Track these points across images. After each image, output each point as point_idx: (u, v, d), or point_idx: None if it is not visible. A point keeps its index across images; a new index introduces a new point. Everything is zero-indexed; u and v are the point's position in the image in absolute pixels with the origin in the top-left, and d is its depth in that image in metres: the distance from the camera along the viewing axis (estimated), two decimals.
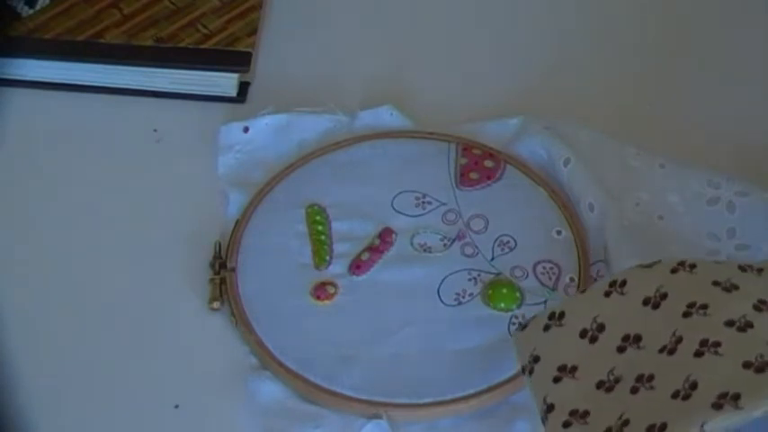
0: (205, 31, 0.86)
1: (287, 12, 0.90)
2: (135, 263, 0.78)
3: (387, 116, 0.83)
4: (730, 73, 0.87)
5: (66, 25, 0.86)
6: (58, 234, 0.79)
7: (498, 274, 0.75)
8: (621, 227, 0.76)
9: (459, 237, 0.76)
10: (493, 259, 0.76)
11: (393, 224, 0.77)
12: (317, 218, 0.77)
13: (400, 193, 0.78)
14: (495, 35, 0.90)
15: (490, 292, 0.74)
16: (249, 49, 0.86)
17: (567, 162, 0.79)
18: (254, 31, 0.87)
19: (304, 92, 0.86)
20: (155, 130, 0.84)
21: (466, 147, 0.80)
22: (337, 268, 0.75)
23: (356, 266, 0.75)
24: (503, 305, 0.74)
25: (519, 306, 0.74)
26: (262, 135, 0.82)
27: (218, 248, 0.77)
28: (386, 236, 0.76)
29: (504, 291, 0.74)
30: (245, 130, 0.82)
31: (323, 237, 0.76)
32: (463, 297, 0.74)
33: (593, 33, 0.89)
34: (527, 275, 0.75)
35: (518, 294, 0.74)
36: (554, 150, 0.79)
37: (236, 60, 0.85)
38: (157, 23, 0.86)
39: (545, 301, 0.74)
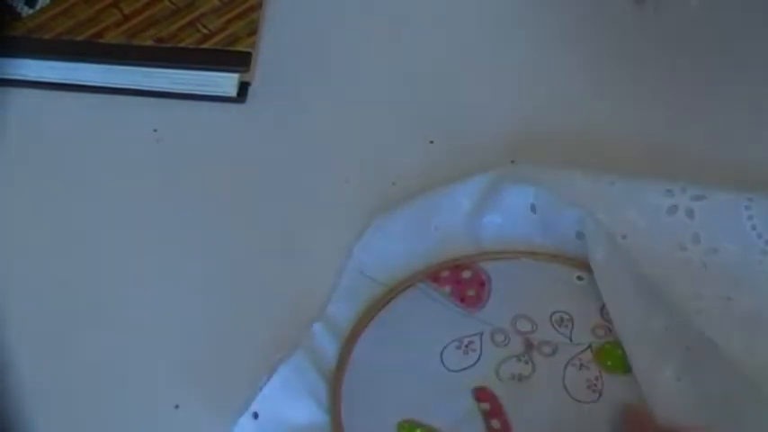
0: (205, 31, 0.86)
1: (287, 12, 0.90)
2: (134, 263, 0.78)
3: None
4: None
5: (67, 25, 0.86)
6: (57, 234, 0.79)
7: (590, 345, 0.73)
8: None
9: (528, 347, 0.73)
10: (570, 338, 0.73)
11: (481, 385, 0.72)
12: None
13: (444, 348, 0.73)
14: None
15: (609, 363, 0.71)
16: (249, 49, 0.86)
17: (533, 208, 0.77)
18: (254, 31, 0.87)
19: (304, 92, 0.86)
20: (155, 130, 0.84)
21: (436, 278, 0.76)
22: None
23: None
24: (610, 364, 0.72)
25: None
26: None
27: None
28: (484, 396, 0.71)
29: (619, 352, 0.72)
30: (255, 416, 0.72)
31: None
32: (596, 384, 0.71)
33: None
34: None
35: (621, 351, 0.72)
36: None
37: (236, 60, 0.85)
38: (157, 23, 0.86)
39: None
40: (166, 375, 0.73)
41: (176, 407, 0.72)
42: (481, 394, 0.71)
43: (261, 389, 0.71)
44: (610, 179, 0.77)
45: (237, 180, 0.82)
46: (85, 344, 0.74)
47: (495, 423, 0.70)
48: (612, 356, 0.72)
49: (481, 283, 0.75)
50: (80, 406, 0.72)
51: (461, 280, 0.75)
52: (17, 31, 0.85)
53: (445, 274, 0.76)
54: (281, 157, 0.83)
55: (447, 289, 0.75)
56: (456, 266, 0.76)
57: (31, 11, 0.86)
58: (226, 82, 0.85)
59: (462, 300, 0.75)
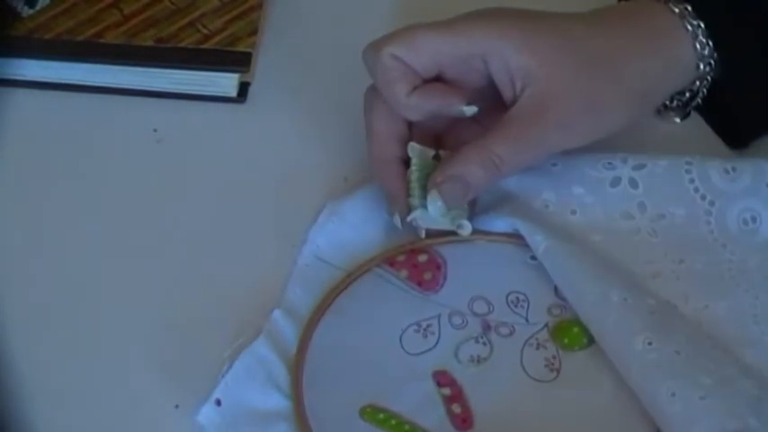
0: (205, 31, 0.86)
1: (287, 12, 0.90)
2: (133, 263, 0.78)
3: None
4: None
5: (67, 25, 0.86)
6: (57, 234, 0.79)
7: (546, 324, 0.73)
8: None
9: (486, 328, 0.73)
10: (527, 318, 0.74)
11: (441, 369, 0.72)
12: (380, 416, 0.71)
13: (403, 332, 0.74)
14: None
15: (566, 341, 0.72)
16: (249, 49, 0.86)
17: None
18: (254, 31, 0.87)
19: (304, 92, 0.86)
20: (155, 130, 0.84)
21: (392, 262, 0.77)
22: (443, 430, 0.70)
23: (461, 421, 0.70)
24: (566, 341, 0.72)
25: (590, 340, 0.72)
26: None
27: None
28: (445, 380, 0.72)
29: (575, 330, 0.72)
30: (218, 403, 0.71)
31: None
32: (553, 363, 0.72)
33: None
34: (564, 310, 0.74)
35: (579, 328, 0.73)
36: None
37: (236, 60, 0.85)
38: (157, 23, 0.86)
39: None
40: (166, 375, 0.73)
41: (176, 407, 0.72)
42: (441, 379, 0.71)
43: (223, 376, 0.71)
44: (552, 161, 0.79)
45: (237, 180, 0.82)
46: (85, 343, 0.74)
47: (456, 407, 0.70)
48: (569, 334, 0.73)
49: (437, 266, 0.76)
50: (80, 406, 0.72)
51: (418, 263, 0.76)
52: (17, 31, 0.86)
53: (401, 258, 0.76)
54: (281, 156, 0.83)
55: (404, 273, 0.76)
56: (412, 250, 0.77)
57: (31, 11, 0.87)
58: (226, 82, 0.85)
59: (419, 283, 0.75)
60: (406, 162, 0.77)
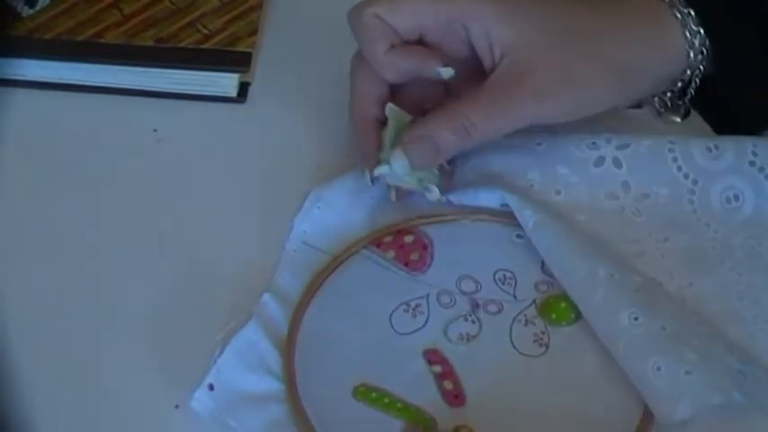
0: (205, 31, 0.86)
1: (287, 12, 0.90)
2: (134, 263, 0.78)
3: None
4: None
5: (67, 25, 0.86)
6: (57, 234, 0.79)
7: (534, 300, 0.74)
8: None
9: (474, 306, 0.74)
10: (514, 295, 0.74)
11: (431, 347, 0.73)
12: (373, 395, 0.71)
13: (393, 312, 0.74)
14: None
15: (554, 316, 0.73)
16: (249, 49, 0.86)
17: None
18: (254, 31, 0.87)
19: (304, 92, 0.86)
20: (155, 130, 0.84)
21: (379, 244, 0.77)
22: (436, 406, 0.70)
23: (453, 397, 0.71)
24: (554, 317, 0.73)
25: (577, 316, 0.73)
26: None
27: None
28: (435, 358, 0.72)
29: (563, 305, 0.73)
30: (210, 388, 0.71)
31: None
32: (542, 338, 0.72)
33: None
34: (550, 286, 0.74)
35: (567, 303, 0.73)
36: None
37: (236, 60, 0.85)
38: (157, 23, 0.87)
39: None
40: (166, 375, 0.73)
41: (176, 407, 0.72)
42: (432, 356, 0.72)
43: (214, 361, 0.71)
44: (536, 140, 0.79)
45: (237, 179, 0.82)
46: (85, 343, 0.74)
47: (448, 384, 0.71)
48: (556, 309, 0.73)
49: (424, 247, 0.76)
50: (80, 406, 0.72)
51: (404, 244, 0.76)
52: (17, 31, 0.86)
53: (388, 239, 0.77)
54: (281, 156, 0.83)
55: (391, 254, 0.76)
56: (398, 231, 0.77)
57: (31, 11, 0.87)
58: (226, 82, 0.85)
59: (406, 264, 0.76)
60: (384, 123, 0.78)
